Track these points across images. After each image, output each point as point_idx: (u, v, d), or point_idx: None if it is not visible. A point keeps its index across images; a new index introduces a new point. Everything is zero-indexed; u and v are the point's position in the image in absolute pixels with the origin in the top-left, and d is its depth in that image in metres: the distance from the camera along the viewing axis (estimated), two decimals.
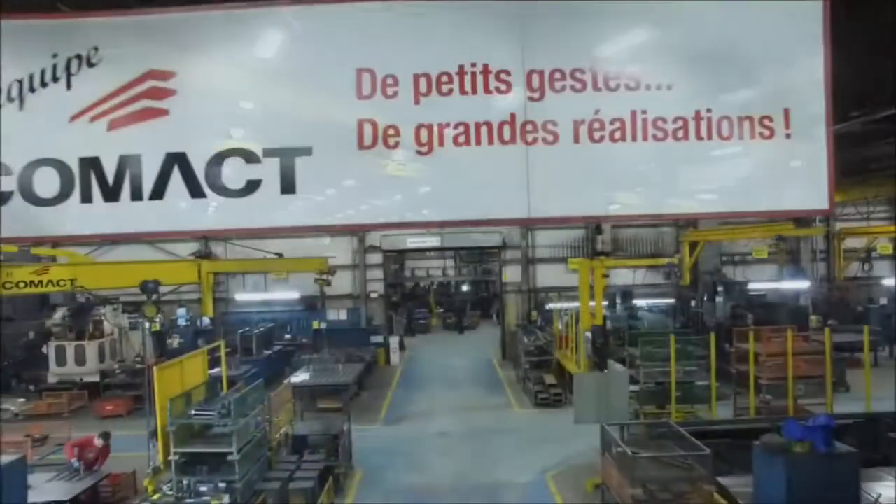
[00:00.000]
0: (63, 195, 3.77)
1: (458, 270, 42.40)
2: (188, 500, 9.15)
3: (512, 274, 26.49)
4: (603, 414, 12.07)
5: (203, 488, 9.35)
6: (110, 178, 3.77)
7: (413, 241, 25.45)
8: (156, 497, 9.37)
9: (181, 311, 24.39)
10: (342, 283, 25.69)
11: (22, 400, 19.13)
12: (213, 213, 3.86)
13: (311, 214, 3.89)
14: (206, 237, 25.78)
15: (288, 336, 25.30)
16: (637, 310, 24.25)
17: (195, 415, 10.05)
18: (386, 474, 13.16)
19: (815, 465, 7.55)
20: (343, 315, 25.90)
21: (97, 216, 3.82)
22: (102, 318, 22.08)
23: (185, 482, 9.44)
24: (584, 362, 18.80)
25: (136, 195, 3.78)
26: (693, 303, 24.75)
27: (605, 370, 13.45)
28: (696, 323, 23.01)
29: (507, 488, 12.23)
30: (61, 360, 20.60)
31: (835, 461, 7.57)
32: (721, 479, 8.85)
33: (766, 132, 3.74)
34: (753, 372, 12.63)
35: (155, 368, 10.21)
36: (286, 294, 25.71)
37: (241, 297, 25.77)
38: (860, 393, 12.63)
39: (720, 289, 23.73)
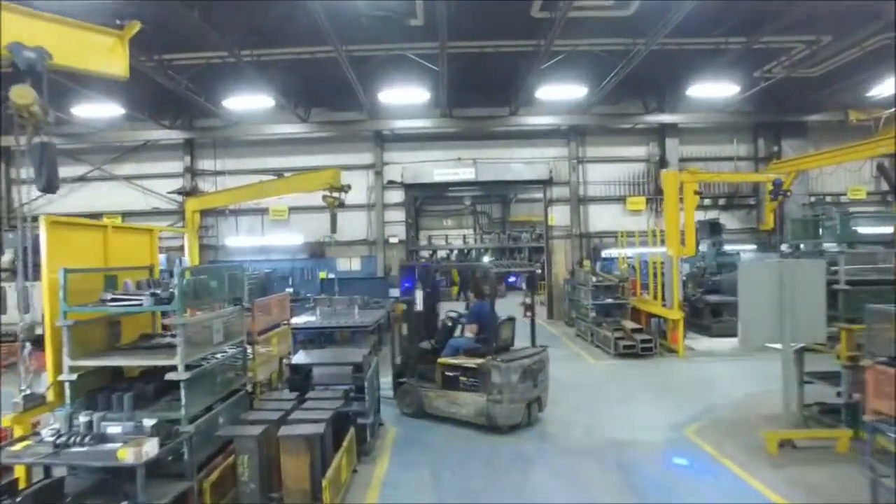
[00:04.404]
0: None
1: (479, 239, 38.12)
2: (76, 449, 4.64)
3: (560, 217, 21.91)
4: (788, 327, 7.55)
5: (113, 429, 4.84)
6: None
7: (440, 174, 20.87)
8: (20, 446, 4.85)
9: (160, 258, 19.93)
10: (355, 227, 21.20)
11: None
12: None
13: None
14: (192, 171, 21.39)
15: (289, 289, 20.84)
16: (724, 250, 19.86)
17: (112, 299, 5.58)
18: (433, 435, 8.63)
19: None
20: (356, 264, 21.42)
21: None
22: None
23: (83, 420, 4.97)
24: (677, 302, 14.40)
25: None
26: (784, 247, 20.19)
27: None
28: None
29: (640, 448, 7.77)
30: (2, 307, 16.37)
31: None
32: None
33: None
34: None
35: (43, 218, 5.77)
36: (287, 239, 21.22)
37: (232, 242, 21.28)
38: None
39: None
